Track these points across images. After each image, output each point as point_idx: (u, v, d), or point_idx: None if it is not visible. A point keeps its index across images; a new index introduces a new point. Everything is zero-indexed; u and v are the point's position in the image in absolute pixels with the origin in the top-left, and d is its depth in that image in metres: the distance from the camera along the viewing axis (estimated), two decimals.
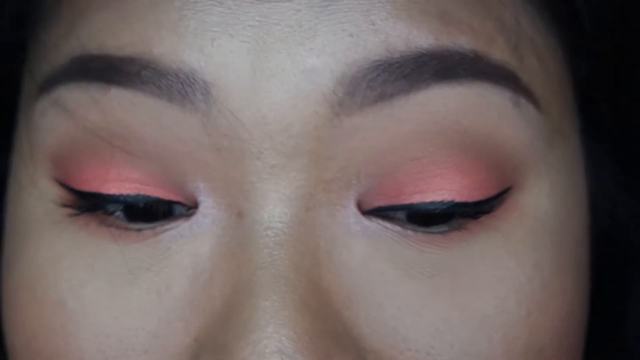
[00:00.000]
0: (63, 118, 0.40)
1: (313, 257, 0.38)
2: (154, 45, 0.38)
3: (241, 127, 0.38)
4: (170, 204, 0.40)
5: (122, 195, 0.40)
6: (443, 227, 0.39)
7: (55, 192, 0.41)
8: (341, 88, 0.38)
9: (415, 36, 0.38)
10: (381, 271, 0.39)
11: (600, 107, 0.45)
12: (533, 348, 0.39)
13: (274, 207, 0.38)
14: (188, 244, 0.39)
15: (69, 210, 0.41)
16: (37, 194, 0.42)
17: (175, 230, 0.39)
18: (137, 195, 0.39)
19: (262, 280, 0.37)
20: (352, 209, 0.39)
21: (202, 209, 0.39)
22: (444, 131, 0.38)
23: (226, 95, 0.38)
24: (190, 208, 0.40)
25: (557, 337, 0.40)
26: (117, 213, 0.40)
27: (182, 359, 0.39)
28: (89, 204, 0.40)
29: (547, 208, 0.41)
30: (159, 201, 0.40)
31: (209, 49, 0.38)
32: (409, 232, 0.39)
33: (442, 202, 0.39)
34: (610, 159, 0.47)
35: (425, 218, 0.39)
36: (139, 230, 0.40)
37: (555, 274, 0.40)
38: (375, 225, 0.39)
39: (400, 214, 0.39)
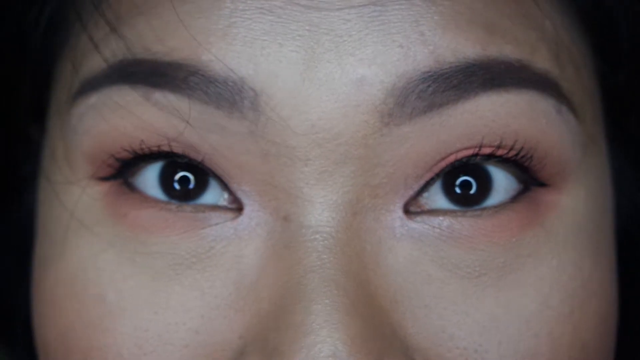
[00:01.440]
0: (103, 121, 0.40)
1: (360, 261, 0.39)
2: (202, 52, 0.38)
3: (290, 134, 0.38)
4: (208, 184, 0.40)
5: (161, 150, 0.40)
6: (488, 203, 0.40)
7: (95, 190, 0.41)
8: (392, 99, 0.38)
9: (463, 46, 0.39)
10: (427, 273, 0.39)
11: (629, 115, 0.46)
12: (577, 345, 0.41)
13: (322, 211, 0.39)
14: (232, 245, 0.40)
15: (109, 200, 0.41)
16: (75, 194, 0.42)
17: (219, 229, 0.40)
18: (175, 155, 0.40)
19: (313, 284, 0.38)
20: (398, 213, 0.40)
21: (247, 211, 0.40)
22: (494, 132, 0.39)
23: (275, 104, 0.38)
24: (237, 204, 0.40)
25: (598, 334, 0.41)
26: (156, 192, 0.40)
27: (224, 354, 0.39)
28: (128, 176, 0.41)
29: (583, 211, 0.42)
30: (197, 176, 0.40)
31: (258, 58, 0.38)
32: (458, 224, 0.40)
33: (479, 154, 0.40)
34: (632, 164, 0.48)
35: (466, 194, 0.40)
36: (178, 208, 0.40)
37: (593, 274, 0.42)
38: (422, 226, 0.40)
39: (442, 198, 0.40)
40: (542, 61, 0.40)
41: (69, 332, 0.41)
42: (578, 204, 0.42)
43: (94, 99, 0.40)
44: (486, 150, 0.39)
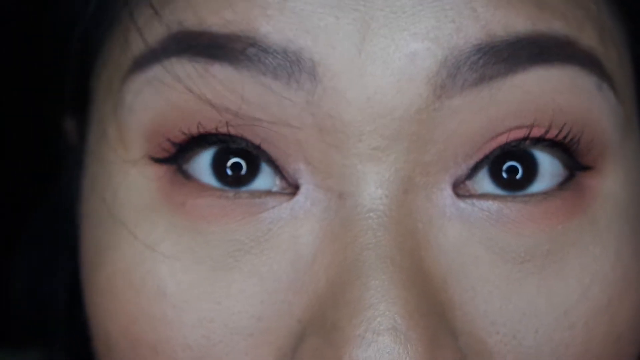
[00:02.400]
0: (160, 96, 0.40)
1: (413, 239, 0.39)
2: (260, 24, 0.39)
3: (345, 107, 0.39)
4: (259, 170, 0.40)
5: (218, 132, 0.40)
6: (536, 189, 0.40)
7: (150, 171, 0.41)
8: (444, 71, 0.39)
9: (514, 22, 0.39)
10: (475, 254, 0.40)
11: None
12: (611, 336, 0.41)
13: (375, 189, 0.39)
14: (288, 226, 0.40)
15: (164, 186, 0.41)
16: (132, 177, 0.42)
17: (276, 211, 0.40)
18: (234, 138, 0.40)
19: (370, 261, 0.38)
20: (448, 191, 0.40)
21: (303, 190, 0.40)
22: (540, 109, 0.40)
23: (332, 75, 0.39)
24: (290, 189, 0.40)
25: (633, 325, 0.42)
26: (209, 179, 0.40)
27: (287, 341, 0.39)
28: (182, 162, 0.41)
29: (623, 196, 0.42)
30: (249, 162, 0.40)
31: (316, 30, 0.39)
32: (506, 208, 0.40)
33: (516, 140, 0.40)
34: None
35: (512, 179, 0.40)
36: (235, 195, 0.40)
37: (633, 263, 0.42)
38: (471, 207, 0.40)
39: (489, 183, 0.40)
40: (587, 39, 0.41)
41: (133, 326, 0.41)
42: (617, 189, 0.42)
43: (151, 73, 0.41)
44: (536, 133, 0.40)
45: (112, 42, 0.43)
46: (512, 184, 0.41)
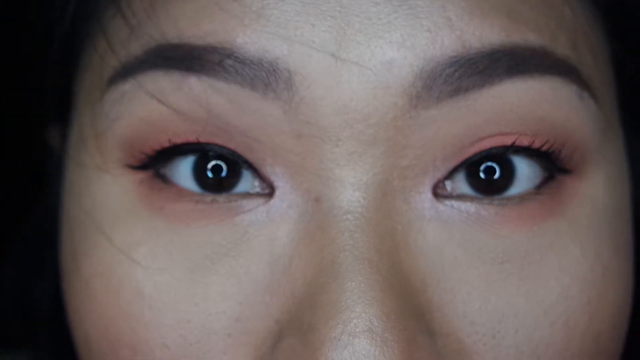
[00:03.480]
0: (136, 108, 0.41)
1: (392, 241, 0.39)
2: (237, 35, 0.39)
3: (322, 114, 0.39)
4: (240, 174, 0.41)
5: (194, 143, 0.40)
6: (513, 192, 0.41)
7: (128, 178, 0.42)
8: (420, 82, 0.39)
9: (488, 33, 0.39)
10: (454, 256, 0.40)
11: None
12: (591, 334, 0.41)
13: (353, 192, 0.39)
14: (265, 228, 0.40)
15: (142, 191, 0.41)
16: (108, 183, 0.42)
17: (253, 214, 0.40)
18: (209, 146, 0.40)
19: (346, 262, 0.38)
20: (428, 195, 0.40)
21: (279, 194, 0.40)
22: (520, 118, 0.40)
23: (309, 84, 0.39)
24: (269, 189, 0.40)
25: (613, 324, 0.42)
26: (189, 184, 0.41)
27: (265, 341, 0.39)
28: (160, 167, 0.41)
29: (603, 197, 0.43)
30: (230, 164, 0.41)
31: (292, 39, 0.39)
32: (484, 210, 0.40)
33: (502, 146, 0.40)
34: None
35: (490, 180, 0.41)
36: (212, 201, 0.41)
37: (613, 263, 0.42)
38: (450, 210, 0.40)
39: (466, 185, 0.41)
40: (562, 48, 0.41)
41: (112, 327, 0.41)
42: (598, 191, 0.42)
43: (127, 85, 0.41)
44: (522, 142, 0.40)
45: (94, 48, 0.44)
46: (490, 187, 0.41)
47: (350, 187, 0.39)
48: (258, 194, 0.41)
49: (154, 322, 0.40)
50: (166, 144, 0.41)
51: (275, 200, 0.40)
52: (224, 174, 0.41)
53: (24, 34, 0.50)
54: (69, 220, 0.44)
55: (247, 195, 0.41)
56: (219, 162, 0.41)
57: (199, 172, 0.41)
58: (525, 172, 0.41)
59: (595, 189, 0.42)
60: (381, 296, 0.38)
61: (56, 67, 0.47)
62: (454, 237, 0.40)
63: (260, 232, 0.40)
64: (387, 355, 0.37)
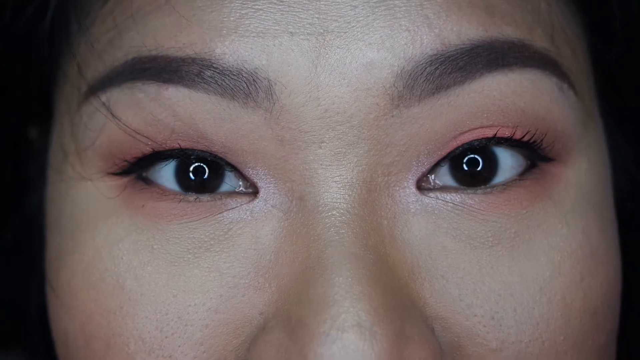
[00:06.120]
0: (114, 119, 0.41)
1: (378, 235, 0.40)
2: (215, 46, 0.39)
3: (304, 120, 0.39)
4: (224, 175, 0.41)
5: (175, 149, 0.41)
6: (496, 182, 0.41)
7: (109, 184, 0.42)
8: (401, 82, 0.39)
9: (466, 29, 0.40)
10: (442, 245, 0.41)
11: (622, 90, 0.47)
12: (588, 310, 0.42)
13: (337, 190, 0.40)
14: (249, 226, 0.41)
15: (124, 194, 0.42)
16: (89, 189, 0.43)
17: (236, 212, 0.41)
18: (190, 151, 0.41)
19: (333, 257, 0.39)
20: (412, 189, 0.41)
21: (262, 194, 0.41)
22: (501, 111, 0.41)
23: (289, 92, 0.39)
24: (254, 187, 0.41)
25: (607, 300, 0.43)
26: (172, 186, 0.41)
27: (245, 331, 0.40)
28: (142, 171, 0.41)
29: (587, 183, 0.43)
30: (212, 166, 0.41)
31: (271, 48, 0.39)
32: (469, 199, 0.41)
33: (484, 139, 0.41)
34: (626, 138, 0.49)
35: (473, 172, 0.41)
36: (196, 200, 0.41)
37: (601, 242, 0.43)
38: (435, 201, 0.41)
39: (449, 177, 0.41)
40: (540, 41, 0.41)
41: (89, 322, 0.41)
42: (581, 176, 0.43)
43: (105, 97, 0.41)
44: (503, 133, 0.41)
45: (73, 59, 0.44)
46: (473, 179, 0.41)
47: (335, 185, 0.40)
48: (242, 193, 0.41)
49: (131, 314, 0.41)
50: (147, 151, 0.41)
51: (259, 200, 0.41)
52: (206, 176, 0.41)
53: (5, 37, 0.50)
54: (52, 223, 0.45)
55: (231, 193, 0.41)
56: (201, 164, 0.41)
57: (181, 175, 0.41)
58: (509, 162, 0.42)
59: (578, 175, 0.43)
60: (368, 290, 0.38)
61: (36, 74, 0.47)
62: (441, 226, 0.41)
63: (244, 230, 0.41)
64: (376, 350, 0.37)
